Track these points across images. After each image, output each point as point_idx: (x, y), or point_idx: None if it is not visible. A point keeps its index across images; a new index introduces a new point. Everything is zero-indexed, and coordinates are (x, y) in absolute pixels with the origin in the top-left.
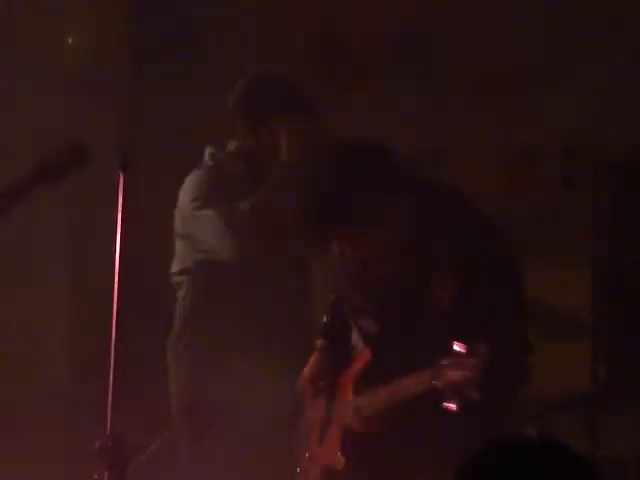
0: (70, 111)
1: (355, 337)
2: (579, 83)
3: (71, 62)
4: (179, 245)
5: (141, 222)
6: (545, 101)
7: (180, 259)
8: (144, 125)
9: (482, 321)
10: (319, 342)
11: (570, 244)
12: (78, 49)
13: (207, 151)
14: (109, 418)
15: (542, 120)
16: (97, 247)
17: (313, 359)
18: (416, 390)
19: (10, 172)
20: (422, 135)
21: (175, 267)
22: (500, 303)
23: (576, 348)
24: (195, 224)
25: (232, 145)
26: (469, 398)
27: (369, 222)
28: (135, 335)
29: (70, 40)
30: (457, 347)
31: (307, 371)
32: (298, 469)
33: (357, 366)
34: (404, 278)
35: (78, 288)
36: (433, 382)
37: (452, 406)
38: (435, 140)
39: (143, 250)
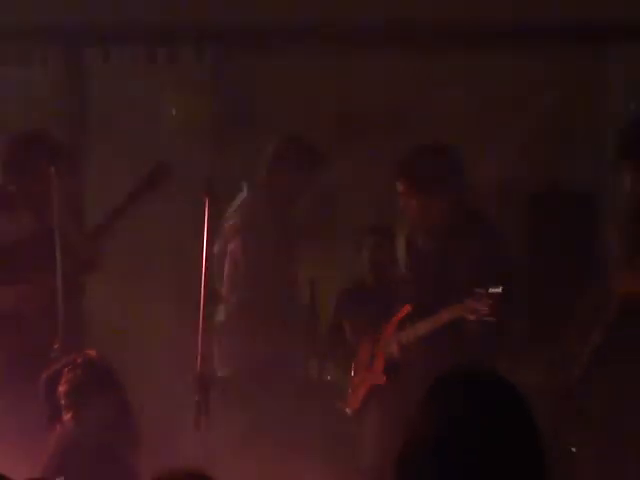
0: (172, 156)
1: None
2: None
3: (172, 125)
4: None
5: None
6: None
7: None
8: (226, 164)
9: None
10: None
11: None
12: (178, 118)
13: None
14: (199, 352)
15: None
16: (187, 262)
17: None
18: (450, 318)
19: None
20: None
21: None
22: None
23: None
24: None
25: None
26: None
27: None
28: None
29: (174, 112)
30: (478, 290)
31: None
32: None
33: (398, 317)
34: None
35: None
36: (462, 313)
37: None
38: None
39: None
